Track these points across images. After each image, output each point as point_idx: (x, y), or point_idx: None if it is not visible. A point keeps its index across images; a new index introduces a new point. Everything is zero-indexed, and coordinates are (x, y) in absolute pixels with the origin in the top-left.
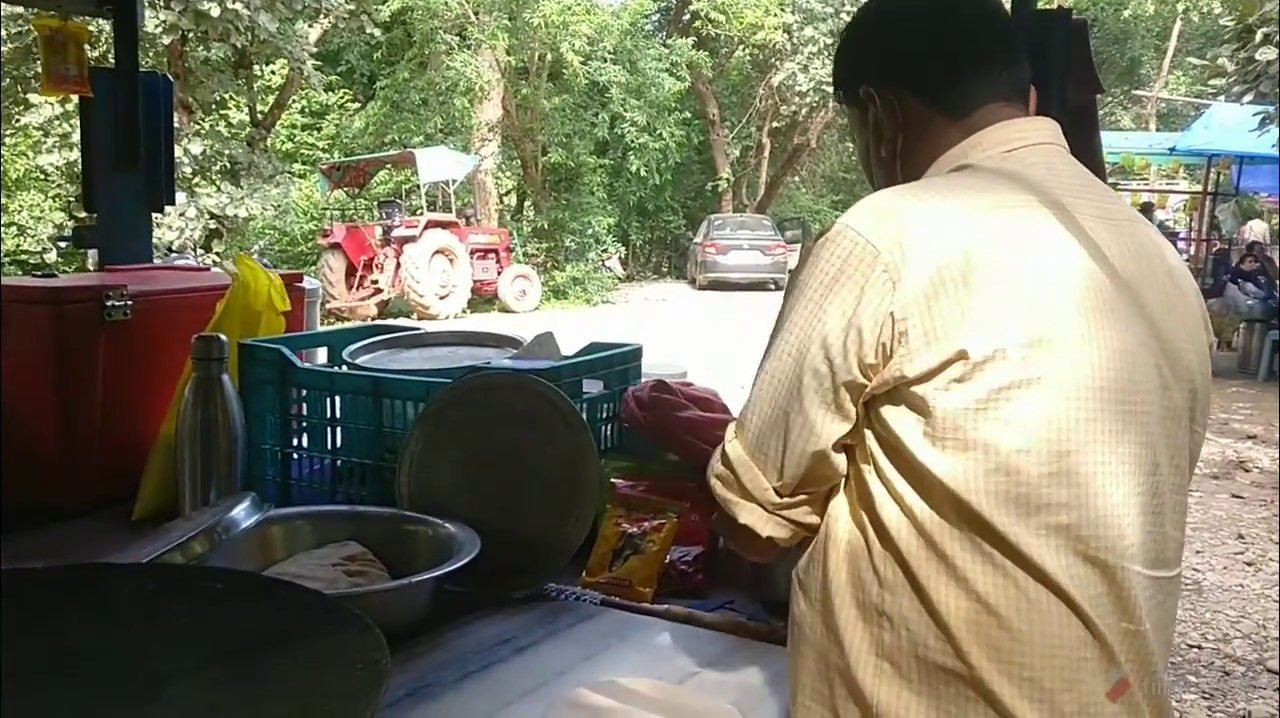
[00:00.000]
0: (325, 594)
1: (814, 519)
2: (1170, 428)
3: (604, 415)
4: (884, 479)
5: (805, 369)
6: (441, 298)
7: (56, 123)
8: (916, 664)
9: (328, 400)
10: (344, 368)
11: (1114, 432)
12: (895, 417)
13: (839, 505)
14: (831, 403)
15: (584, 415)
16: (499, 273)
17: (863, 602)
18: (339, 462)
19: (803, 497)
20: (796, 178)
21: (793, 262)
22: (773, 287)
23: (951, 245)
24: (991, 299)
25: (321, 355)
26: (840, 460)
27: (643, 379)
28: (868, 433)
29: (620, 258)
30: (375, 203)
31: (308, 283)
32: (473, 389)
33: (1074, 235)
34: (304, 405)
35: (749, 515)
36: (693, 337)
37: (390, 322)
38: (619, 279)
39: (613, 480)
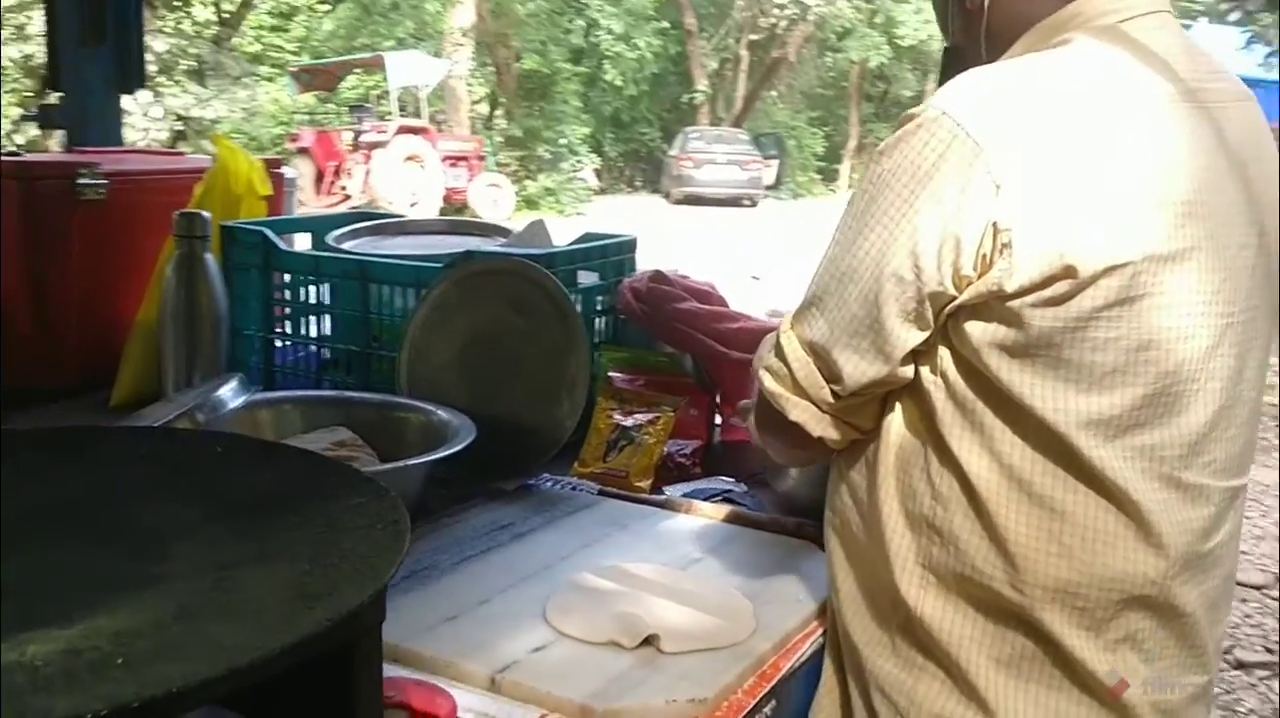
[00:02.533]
0: (334, 459)
1: (870, 422)
2: (1261, 329)
3: (599, 307)
4: (954, 394)
5: (886, 274)
6: (412, 205)
7: (9, 15)
8: (963, 582)
9: (313, 286)
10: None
11: (1209, 348)
12: (980, 331)
13: (897, 410)
14: (912, 314)
15: (578, 306)
16: (470, 180)
17: (912, 512)
18: (325, 349)
19: (862, 398)
20: (774, 92)
21: (769, 178)
22: (748, 203)
23: (1063, 146)
24: (1105, 210)
25: (302, 244)
26: (908, 370)
27: (638, 270)
28: (942, 344)
29: (594, 169)
30: (345, 108)
31: (286, 171)
32: (471, 274)
33: (1191, 131)
34: (288, 291)
35: (801, 413)
36: (671, 250)
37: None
38: (592, 191)
39: (609, 373)
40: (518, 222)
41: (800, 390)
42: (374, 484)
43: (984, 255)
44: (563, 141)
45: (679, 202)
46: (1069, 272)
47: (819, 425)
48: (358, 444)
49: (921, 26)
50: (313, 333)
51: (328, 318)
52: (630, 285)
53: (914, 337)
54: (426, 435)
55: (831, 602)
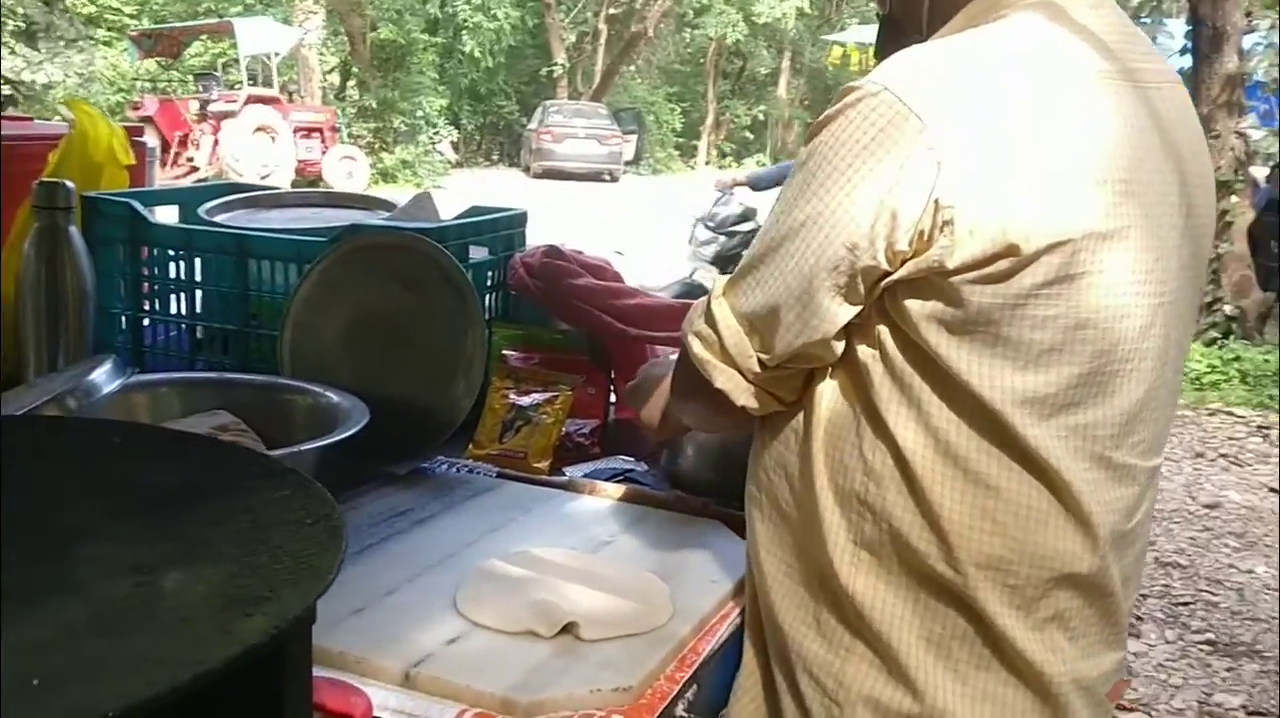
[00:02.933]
0: (248, 449)
1: (792, 395)
2: (1184, 311)
3: (490, 283)
4: (891, 368)
5: (822, 251)
6: (263, 177)
7: None
8: (895, 559)
9: (183, 262)
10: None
11: (1143, 328)
12: (919, 307)
13: (829, 384)
14: (844, 288)
15: (472, 285)
16: (324, 153)
17: (843, 488)
18: (198, 328)
19: (788, 371)
20: (633, 67)
21: (628, 153)
22: (608, 178)
23: (1005, 123)
24: (1046, 188)
25: (167, 217)
26: (839, 345)
27: (529, 245)
28: (880, 319)
29: (452, 142)
30: (190, 75)
31: (148, 139)
32: (358, 248)
33: (1128, 110)
34: (157, 267)
35: (726, 381)
36: (533, 225)
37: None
38: (450, 164)
39: (503, 352)
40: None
41: (728, 358)
42: (297, 475)
43: (922, 232)
44: (419, 113)
45: (539, 175)
46: (1011, 249)
47: (742, 394)
48: (241, 429)
49: (777, 4)
50: (184, 311)
51: (200, 295)
52: (523, 260)
53: (845, 312)
54: (315, 419)
55: (753, 582)
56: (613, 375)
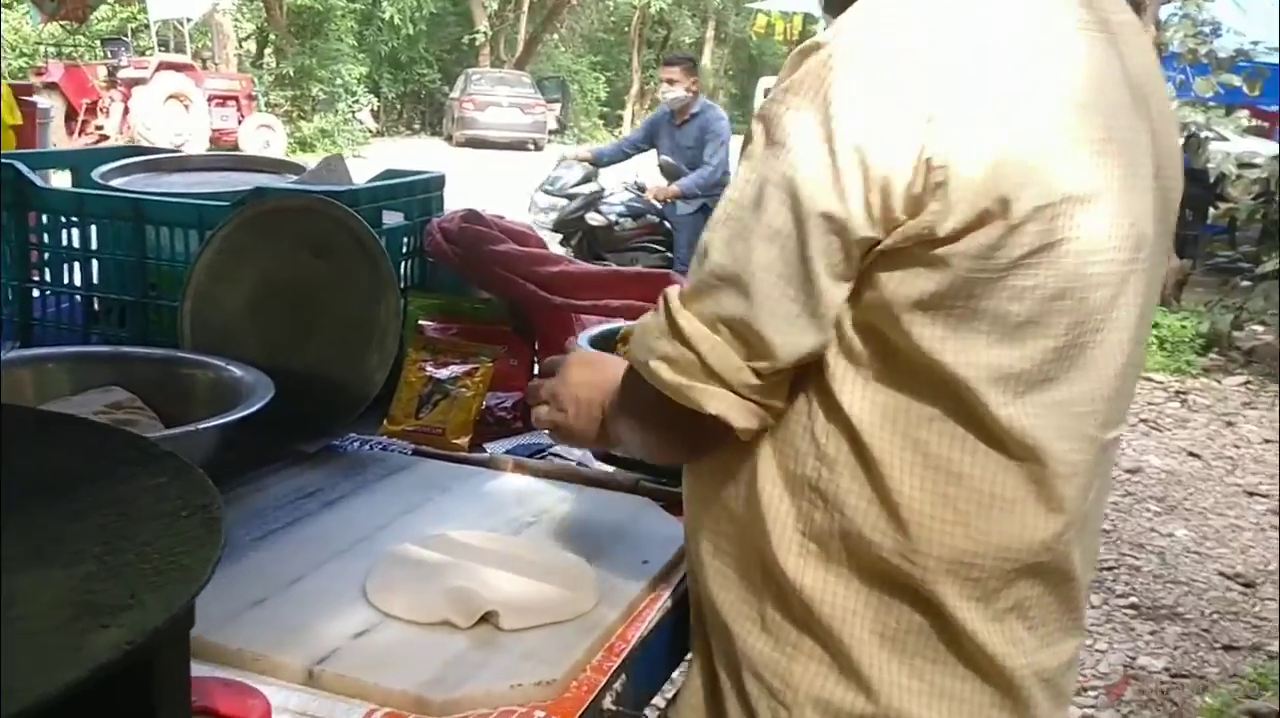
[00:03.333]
0: (123, 431)
1: (784, 400)
2: (1153, 279)
3: (406, 249)
4: (847, 348)
5: (809, 223)
6: (177, 146)
7: None
8: (847, 551)
9: (76, 229)
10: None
11: (1114, 297)
12: (896, 281)
13: None
14: (839, 266)
15: (385, 251)
16: (240, 121)
17: (793, 473)
18: (94, 299)
19: (782, 374)
20: (556, 35)
21: (552, 121)
22: (532, 146)
23: (987, 76)
24: (1030, 146)
25: (62, 182)
26: (833, 330)
27: (447, 210)
28: None
29: (372, 110)
30: (98, 40)
31: (39, 101)
32: (263, 213)
33: (1102, 62)
34: (47, 234)
35: (720, 403)
36: (456, 194)
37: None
38: (370, 133)
39: (420, 322)
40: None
41: (714, 376)
42: (175, 459)
43: (915, 195)
44: (338, 81)
45: (461, 144)
46: (1001, 212)
47: (741, 415)
48: (136, 407)
49: None
50: (77, 281)
51: (95, 264)
52: (440, 226)
53: (842, 292)
54: (216, 395)
55: (692, 573)
56: (536, 346)
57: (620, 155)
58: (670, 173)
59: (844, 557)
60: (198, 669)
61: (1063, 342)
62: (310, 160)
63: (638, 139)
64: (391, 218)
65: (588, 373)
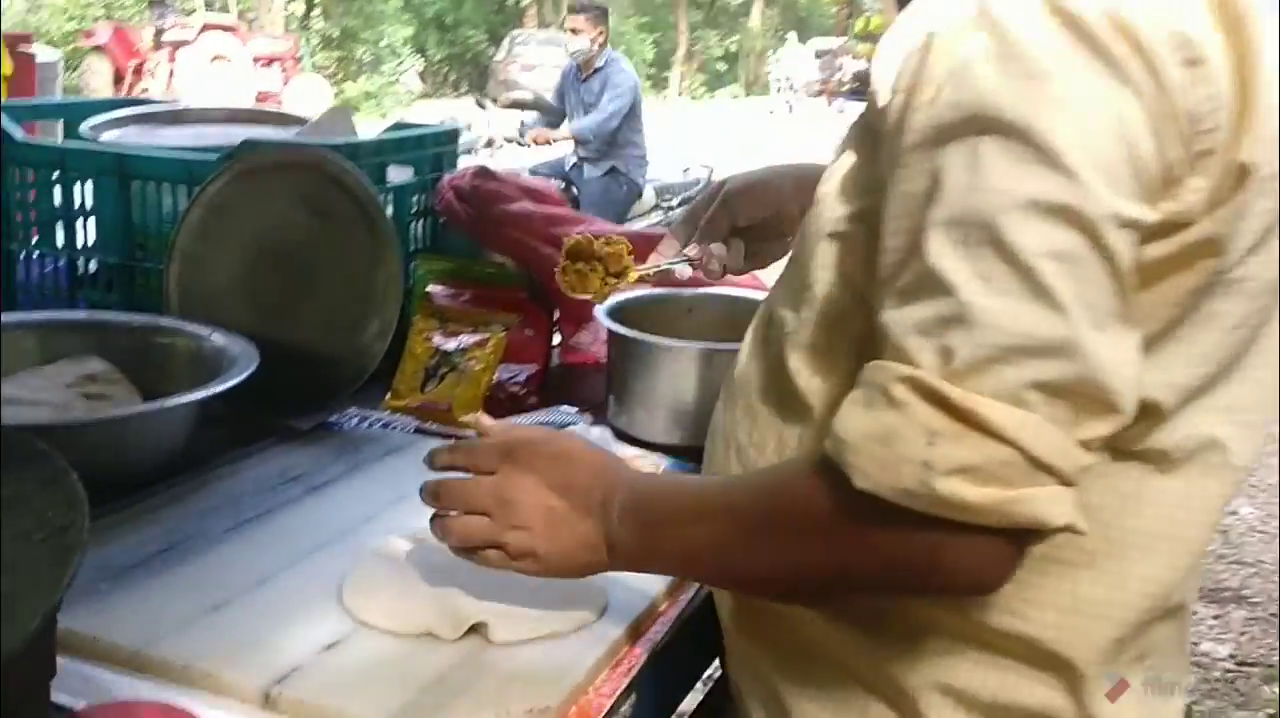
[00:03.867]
0: None
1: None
2: None
3: (415, 209)
4: None
5: (1101, 226)
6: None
7: None
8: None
9: (61, 185)
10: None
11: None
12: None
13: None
14: (1128, 267)
15: (389, 208)
16: (285, 83)
17: None
18: (78, 262)
19: None
20: None
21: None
22: None
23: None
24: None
25: (55, 136)
26: None
27: (460, 167)
28: None
29: (418, 72)
30: (144, 2)
31: (44, 52)
32: (254, 168)
33: None
34: (33, 191)
35: (1063, 506)
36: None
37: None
38: (415, 95)
39: (428, 288)
40: None
41: (1045, 468)
42: (52, 463)
43: (1177, 176)
44: (384, 43)
45: (507, 107)
46: (1244, 179)
47: (1078, 512)
48: (113, 378)
49: None
50: (61, 243)
51: (82, 224)
52: (452, 183)
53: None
54: (197, 366)
55: (734, 625)
56: (555, 316)
57: (552, 114)
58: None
59: (931, 616)
60: (136, 688)
61: (1251, 334)
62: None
63: (556, 97)
64: (400, 174)
65: (554, 468)
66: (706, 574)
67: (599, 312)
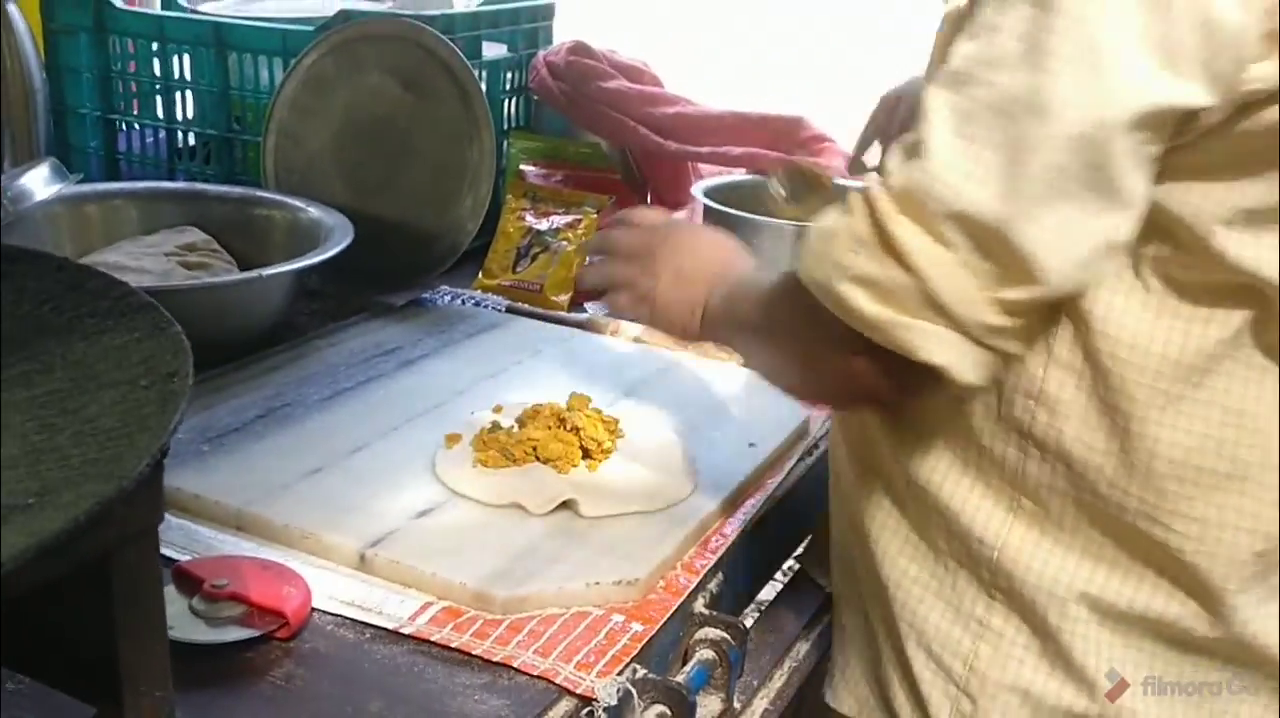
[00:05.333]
0: (94, 271)
1: (1021, 347)
2: None
3: (508, 86)
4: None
5: (1126, 91)
6: None
7: None
8: (1073, 508)
9: (159, 57)
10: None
11: None
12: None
13: None
14: (1154, 147)
15: (483, 84)
16: None
17: (1000, 413)
18: (178, 134)
19: (1033, 310)
20: None
21: None
22: None
23: None
24: None
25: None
26: None
27: (556, 42)
28: None
29: None
30: None
31: None
32: (348, 40)
33: None
34: (133, 62)
35: (943, 348)
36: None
37: None
38: None
39: (521, 167)
40: None
41: (941, 311)
42: (155, 314)
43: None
44: None
45: None
46: None
47: (970, 366)
48: (211, 249)
49: None
50: (161, 114)
51: (180, 96)
52: (546, 60)
53: (1142, 188)
54: (294, 238)
55: (840, 497)
56: (649, 198)
57: None
58: None
59: (1065, 516)
60: (238, 546)
61: None
62: None
63: None
64: (493, 50)
65: (698, 242)
66: (755, 352)
67: (696, 190)
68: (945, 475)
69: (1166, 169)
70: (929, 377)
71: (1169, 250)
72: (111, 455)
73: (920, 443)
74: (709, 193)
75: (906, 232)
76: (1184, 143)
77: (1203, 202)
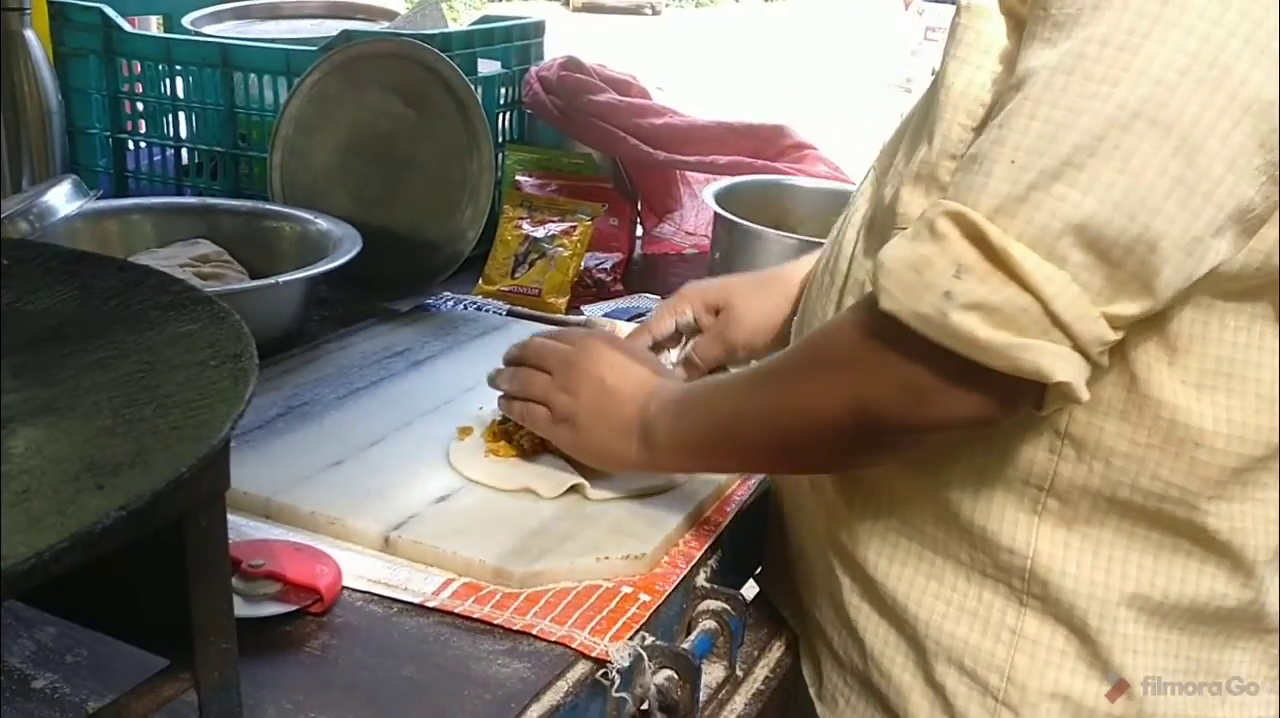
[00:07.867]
0: (152, 269)
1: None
2: None
3: (503, 100)
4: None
5: (1227, 96)
6: None
7: None
8: (1104, 504)
9: (166, 77)
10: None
11: None
12: None
13: None
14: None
15: (478, 98)
16: None
17: (1032, 419)
18: (183, 151)
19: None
20: None
21: None
22: (650, 11)
23: None
24: None
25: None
26: None
27: (547, 58)
28: None
29: None
30: None
31: None
32: (351, 59)
33: None
34: (140, 83)
35: (1068, 368)
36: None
37: None
38: None
39: (516, 178)
40: None
41: (1063, 327)
42: (212, 305)
43: None
44: None
45: (579, 10)
46: None
47: (1083, 382)
48: (223, 260)
49: None
50: (169, 132)
51: (186, 114)
52: (539, 75)
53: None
54: (303, 248)
55: (833, 512)
56: (639, 205)
57: None
58: None
59: (1097, 515)
60: (268, 532)
61: None
62: None
63: None
64: (488, 66)
65: (618, 357)
66: (728, 448)
67: (707, 195)
68: (964, 489)
69: None
70: (1028, 400)
71: None
72: (196, 422)
73: (935, 462)
74: (719, 196)
75: (1020, 251)
76: None
77: None
